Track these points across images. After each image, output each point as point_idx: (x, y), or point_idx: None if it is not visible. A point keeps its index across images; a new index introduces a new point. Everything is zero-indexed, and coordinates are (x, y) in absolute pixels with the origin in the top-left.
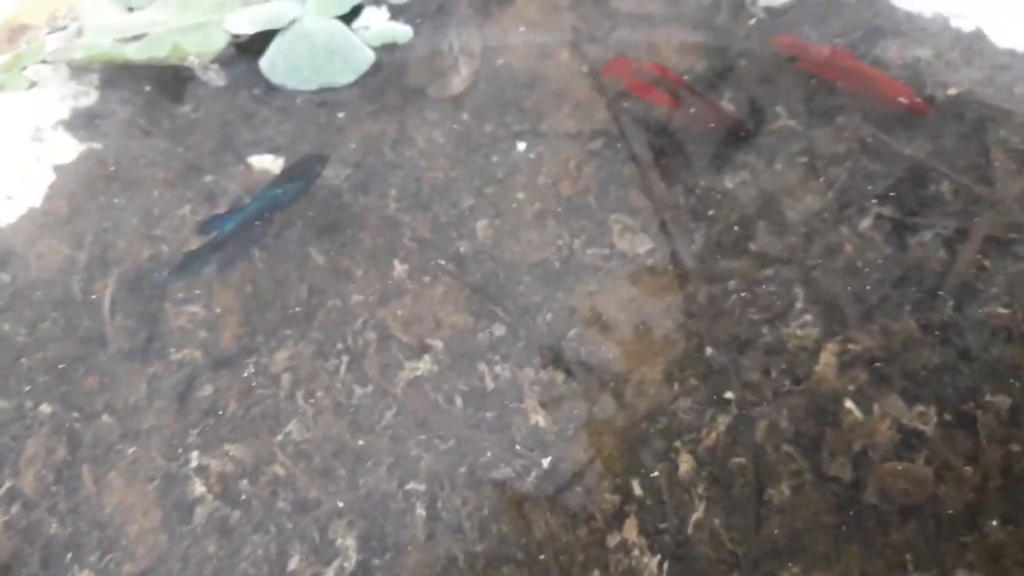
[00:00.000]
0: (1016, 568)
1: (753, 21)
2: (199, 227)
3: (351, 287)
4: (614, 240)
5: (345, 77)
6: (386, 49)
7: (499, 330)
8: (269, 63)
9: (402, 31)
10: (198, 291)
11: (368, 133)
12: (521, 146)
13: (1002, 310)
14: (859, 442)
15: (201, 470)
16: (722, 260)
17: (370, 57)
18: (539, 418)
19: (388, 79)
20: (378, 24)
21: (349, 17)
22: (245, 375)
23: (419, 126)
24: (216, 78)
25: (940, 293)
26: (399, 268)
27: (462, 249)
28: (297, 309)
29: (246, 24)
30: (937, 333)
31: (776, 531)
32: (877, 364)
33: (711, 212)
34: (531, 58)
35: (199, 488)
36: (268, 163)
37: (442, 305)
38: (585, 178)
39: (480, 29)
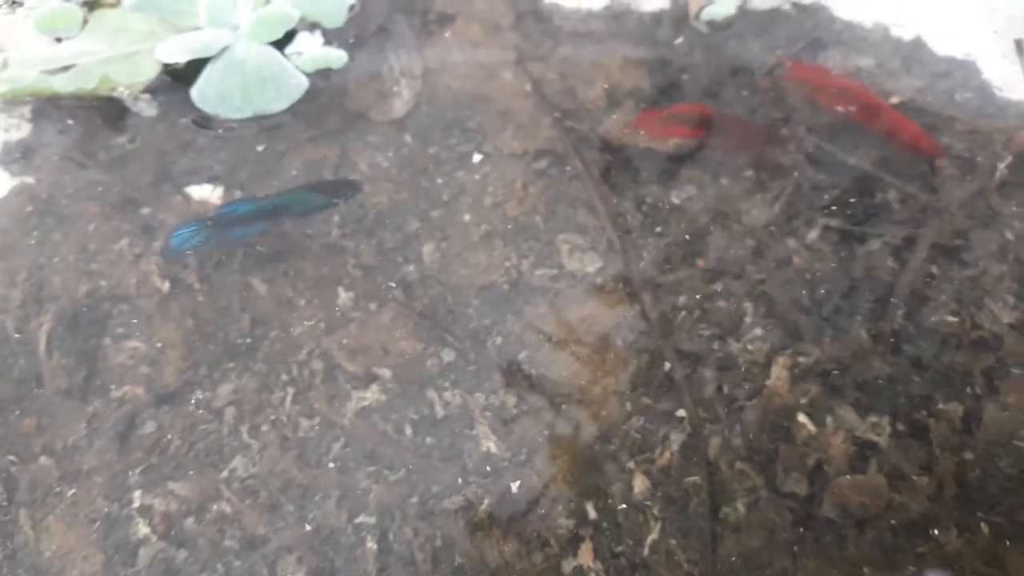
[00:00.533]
0: None
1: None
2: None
3: (295, 317)
4: (563, 260)
5: (278, 104)
6: (321, 74)
7: (448, 355)
8: (200, 92)
9: (336, 56)
10: (135, 325)
11: (309, 159)
12: (477, 157)
13: (951, 317)
14: (813, 456)
15: (144, 510)
16: (671, 276)
17: (303, 83)
18: (491, 444)
19: (327, 104)
20: (312, 50)
21: (282, 43)
22: (188, 410)
23: (361, 150)
24: (147, 108)
25: (890, 302)
26: (344, 296)
27: (409, 274)
28: (240, 341)
29: (177, 53)
30: (888, 343)
31: (733, 550)
32: (829, 376)
33: (659, 228)
34: (474, 78)
35: (143, 529)
36: (207, 193)
37: (389, 332)
38: (532, 198)
39: (421, 51)
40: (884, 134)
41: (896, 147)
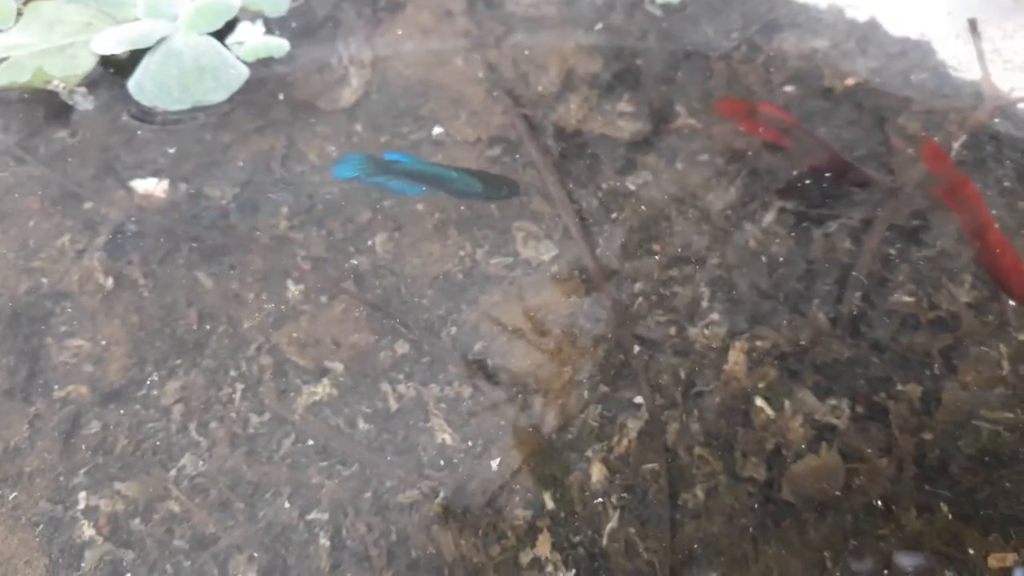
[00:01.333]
0: (935, 557)
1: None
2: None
3: (243, 312)
4: (518, 248)
5: (218, 95)
6: (265, 64)
7: (402, 348)
8: (137, 84)
9: (278, 45)
10: (78, 322)
11: (256, 150)
12: (437, 130)
13: (909, 298)
14: (772, 440)
15: (90, 511)
16: (627, 263)
17: (243, 73)
18: (446, 436)
19: (274, 94)
20: (253, 39)
21: (223, 33)
22: (134, 409)
23: (310, 140)
24: (84, 102)
25: (848, 284)
26: (293, 289)
27: (360, 265)
28: (187, 337)
29: (113, 44)
30: (847, 325)
31: (692, 537)
32: (787, 359)
33: (614, 215)
34: (425, 65)
35: (88, 531)
36: (151, 187)
37: (340, 325)
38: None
39: (370, 38)
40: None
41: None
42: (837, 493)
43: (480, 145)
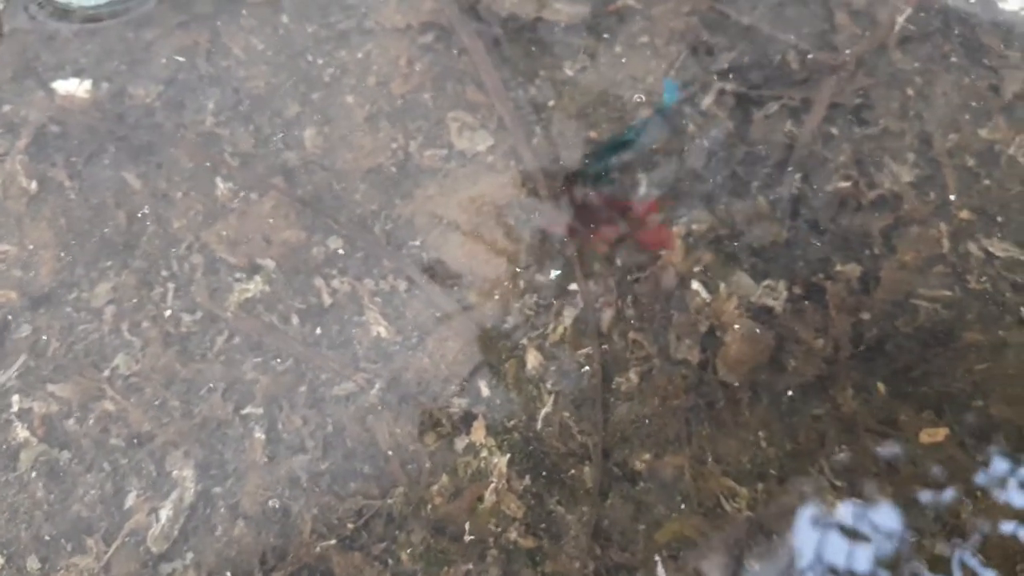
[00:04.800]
0: (868, 435)
1: None
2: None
3: (172, 211)
4: (452, 139)
5: None
6: None
7: (335, 243)
8: None
9: None
10: (4, 227)
11: (179, 46)
12: (388, 3)
13: (850, 178)
14: (706, 323)
15: (23, 414)
16: (564, 152)
17: None
18: (381, 329)
19: None
20: None
21: None
22: (65, 312)
23: (235, 34)
24: None
25: (788, 166)
26: (222, 187)
27: (290, 161)
28: (116, 238)
29: None
30: (786, 207)
31: (625, 418)
32: (724, 243)
33: (551, 102)
34: None
35: (22, 433)
36: (73, 87)
37: (271, 222)
38: (418, 75)
39: None
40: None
41: None
42: (769, 373)
43: (411, 32)
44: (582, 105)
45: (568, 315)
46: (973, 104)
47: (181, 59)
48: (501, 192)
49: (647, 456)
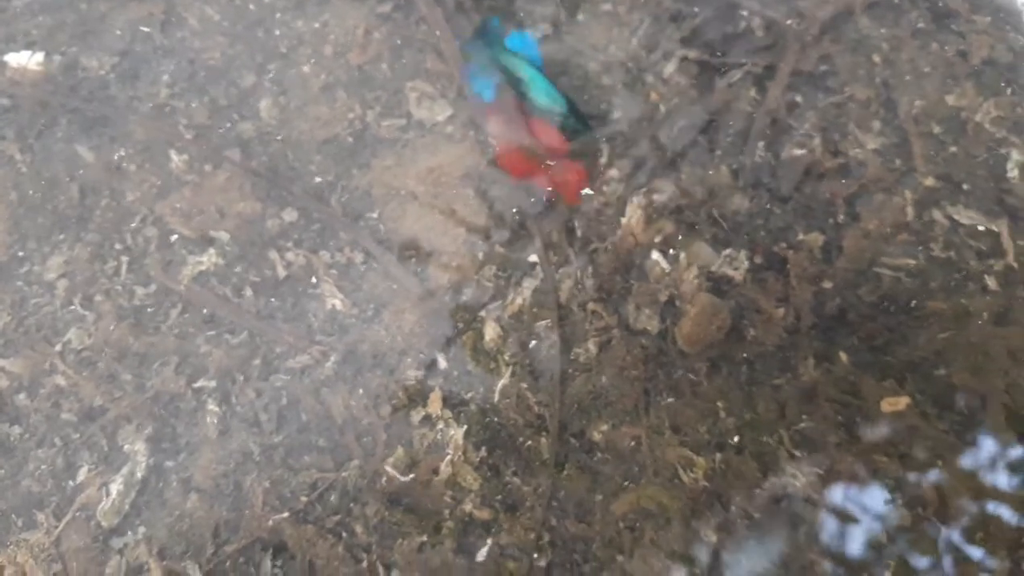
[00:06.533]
0: (829, 405)
1: None
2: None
3: (126, 184)
4: (410, 109)
5: None
6: None
7: (290, 215)
8: None
9: None
10: None
11: (133, 17)
12: None
13: (813, 147)
14: (666, 293)
15: None
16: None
17: None
18: (336, 302)
19: None
20: None
21: None
22: (17, 286)
23: (190, 4)
24: None
25: (751, 135)
26: (176, 159)
27: (244, 132)
28: (69, 212)
29: None
30: (749, 176)
31: (582, 389)
32: (685, 213)
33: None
34: None
35: None
36: (25, 59)
37: (225, 194)
38: (376, 44)
39: None
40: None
41: None
42: (729, 343)
43: (369, 2)
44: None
45: (527, 286)
46: (940, 70)
47: (146, 29)
48: (460, 163)
49: (604, 427)
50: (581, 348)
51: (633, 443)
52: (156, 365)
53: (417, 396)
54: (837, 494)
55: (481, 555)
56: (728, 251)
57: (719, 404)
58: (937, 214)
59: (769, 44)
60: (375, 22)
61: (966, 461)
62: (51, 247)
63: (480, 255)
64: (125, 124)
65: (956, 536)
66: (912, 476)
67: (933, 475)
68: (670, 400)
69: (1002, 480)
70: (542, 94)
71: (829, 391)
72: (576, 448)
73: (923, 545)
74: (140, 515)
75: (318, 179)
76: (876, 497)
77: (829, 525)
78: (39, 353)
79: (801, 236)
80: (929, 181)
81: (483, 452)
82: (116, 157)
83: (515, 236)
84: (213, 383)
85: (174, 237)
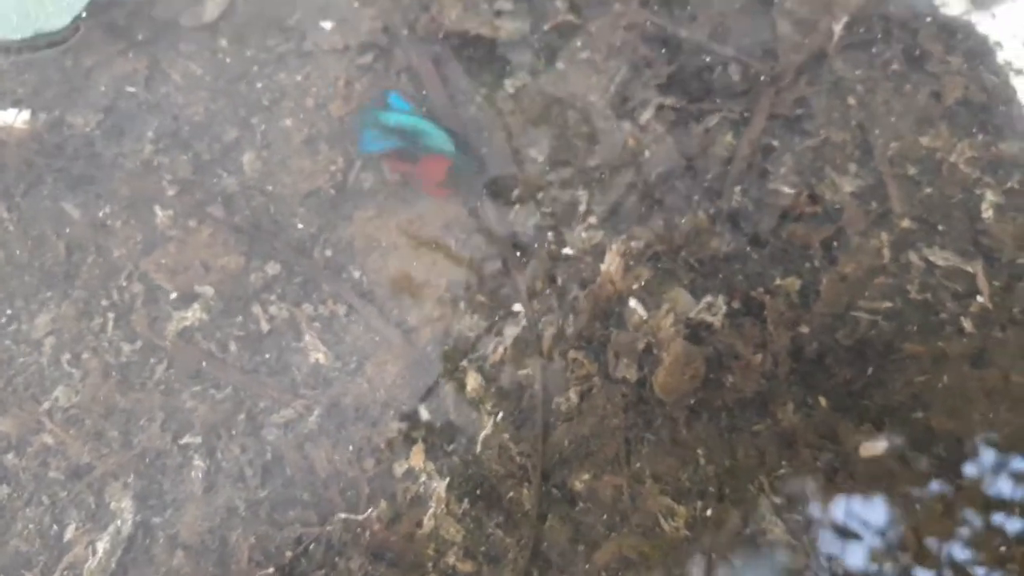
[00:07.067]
0: (807, 450)
1: None
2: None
3: (111, 240)
4: None
5: (59, 20)
6: None
7: (273, 269)
8: None
9: None
10: None
11: (118, 73)
12: (327, 25)
13: (790, 189)
14: (644, 340)
15: None
16: (505, 169)
17: None
18: (320, 355)
19: (135, 14)
20: None
21: None
22: (5, 344)
23: (173, 60)
24: None
25: (727, 179)
26: (161, 215)
27: (228, 187)
28: (56, 269)
29: None
30: (726, 221)
31: (565, 440)
32: (662, 259)
33: (492, 120)
34: None
35: None
36: (11, 118)
37: (210, 249)
38: (357, 96)
39: None
40: None
41: None
42: (708, 390)
43: (349, 53)
44: (523, 122)
45: (509, 335)
46: (915, 112)
47: (132, 89)
48: (441, 213)
49: (586, 476)
50: (562, 397)
51: (615, 492)
52: (142, 421)
53: (400, 449)
54: (818, 540)
55: None
56: (707, 297)
57: (699, 452)
58: (913, 256)
59: (745, 89)
60: (355, 73)
61: (944, 503)
62: (39, 305)
63: (461, 305)
64: (110, 181)
65: None
66: (891, 519)
67: (912, 518)
68: (651, 448)
69: (979, 522)
70: (433, 139)
71: (808, 437)
72: (558, 498)
73: None
74: (127, 573)
75: (301, 232)
76: (855, 545)
77: (810, 571)
78: (27, 412)
79: (778, 281)
80: (905, 223)
81: (466, 504)
82: (102, 214)
83: (496, 285)
84: (199, 439)
85: (159, 293)
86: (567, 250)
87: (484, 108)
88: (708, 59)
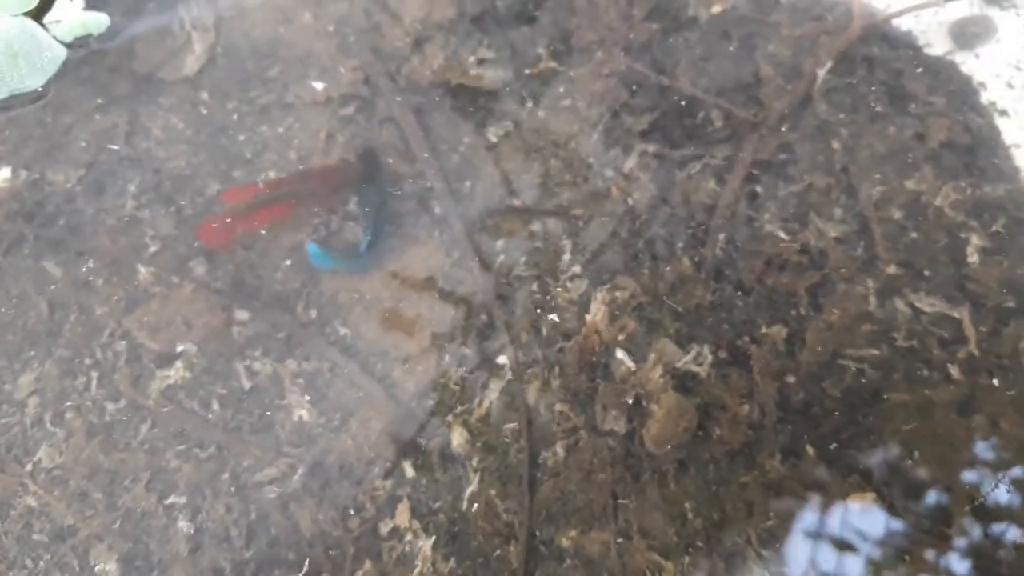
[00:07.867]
0: (795, 502)
1: None
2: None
3: (94, 298)
4: None
5: (34, 80)
6: (102, 38)
7: (256, 325)
8: None
9: (96, 20)
10: None
11: (98, 129)
12: (319, 86)
13: (777, 236)
14: (632, 392)
15: None
16: (489, 219)
17: (60, 55)
18: (303, 412)
19: (114, 67)
20: (71, 16)
21: (42, 11)
22: None
23: (153, 114)
24: None
25: (711, 227)
26: (143, 271)
27: None
28: (38, 328)
29: None
30: (710, 269)
31: (551, 495)
32: (647, 309)
33: (475, 170)
34: (271, 24)
35: None
36: None
37: (191, 305)
38: (339, 148)
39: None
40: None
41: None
42: (695, 442)
43: (332, 105)
44: (506, 172)
45: (495, 388)
46: (899, 154)
47: (113, 145)
48: (424, 264)
49: (573, 533)
50: (549, 451)
51: (602, 549)
52: (127, 482)
53: (385, 507)
54: None
55: None
56: (693, 347)
57: (687, 505)
58: (899, 303)
59: (728, 135)
60: (337, 125)
61: (933, 553)
62: (22, 364)
63: (446, 358)
64: (92, 238)
65: None
66: (881, 570)
67: (902, 570)
68: (638, 503)
69: (966, 568)
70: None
71: (796, 488)
72: (545, 556)
73: None
74: None
75: (283, 286)
76: None
77: None
78: (9, 474)
79: (764, 329)
80: (891, 269)
81: (452, 563)
82: (84, 271)
83: (481, 337)
84: (183, 499)
85: (142, 350)
86: (551, 300)
87: (467, 157)
88: (690, 105)
